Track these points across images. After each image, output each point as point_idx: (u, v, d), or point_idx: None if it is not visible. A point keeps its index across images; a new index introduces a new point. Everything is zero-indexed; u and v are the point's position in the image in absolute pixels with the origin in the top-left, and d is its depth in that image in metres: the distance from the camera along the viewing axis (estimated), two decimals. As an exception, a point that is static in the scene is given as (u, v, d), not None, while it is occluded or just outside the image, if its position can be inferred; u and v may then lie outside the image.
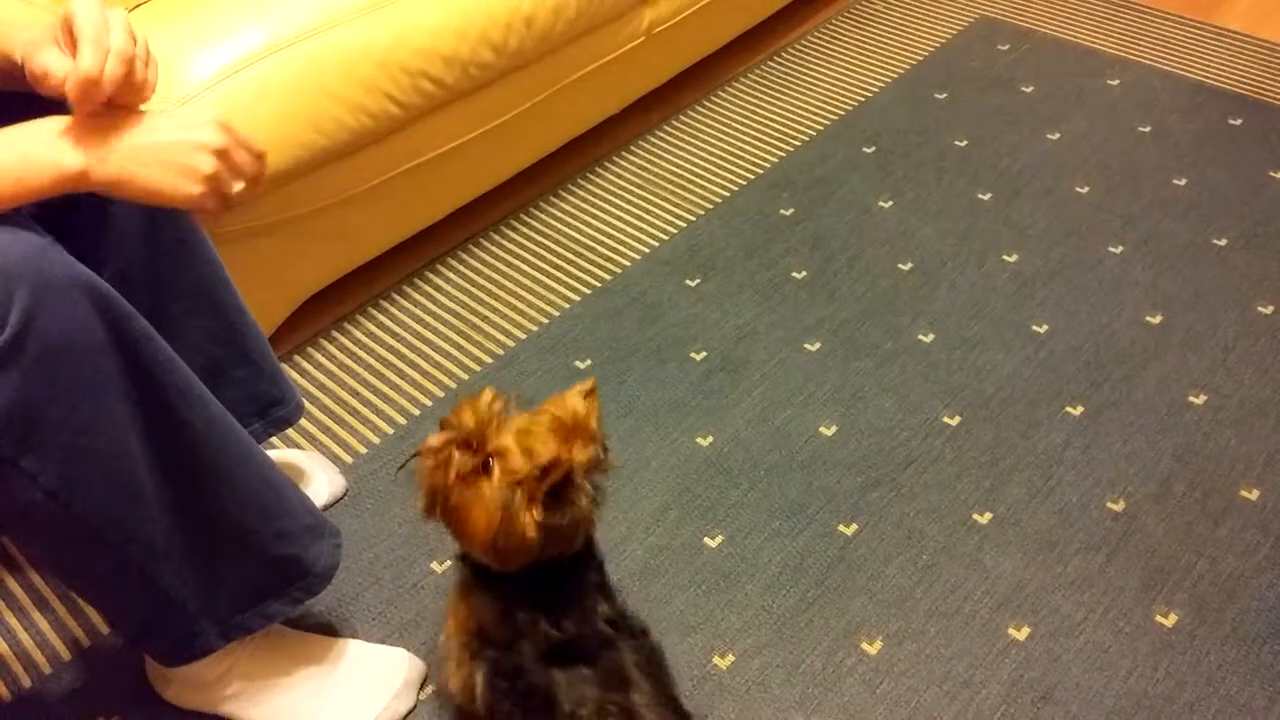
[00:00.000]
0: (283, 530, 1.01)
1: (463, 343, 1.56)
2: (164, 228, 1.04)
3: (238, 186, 0.87)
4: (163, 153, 0.83)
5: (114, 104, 0.83)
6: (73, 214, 0.98)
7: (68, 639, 1.20)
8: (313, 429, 1.43)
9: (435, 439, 0.91)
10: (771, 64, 2.14)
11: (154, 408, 0.87)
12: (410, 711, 1.12)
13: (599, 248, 1.71)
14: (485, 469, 0.89)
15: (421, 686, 1.14)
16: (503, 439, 0.89)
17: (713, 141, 1.94)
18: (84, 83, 0.80)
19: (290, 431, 1.40)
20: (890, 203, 1.77)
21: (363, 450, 1.40)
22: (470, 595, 0.98)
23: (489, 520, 0.88)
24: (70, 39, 0.82)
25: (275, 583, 1.02)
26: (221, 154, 0.85)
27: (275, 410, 1.20)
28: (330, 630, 1.18)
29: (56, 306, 0.79)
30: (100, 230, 1.00)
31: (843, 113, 1.98)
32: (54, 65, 0.82)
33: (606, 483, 0.93)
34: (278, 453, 1.35)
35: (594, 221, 1.77)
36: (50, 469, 0.82)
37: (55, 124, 0.82)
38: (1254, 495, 1.29)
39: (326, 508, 1.31)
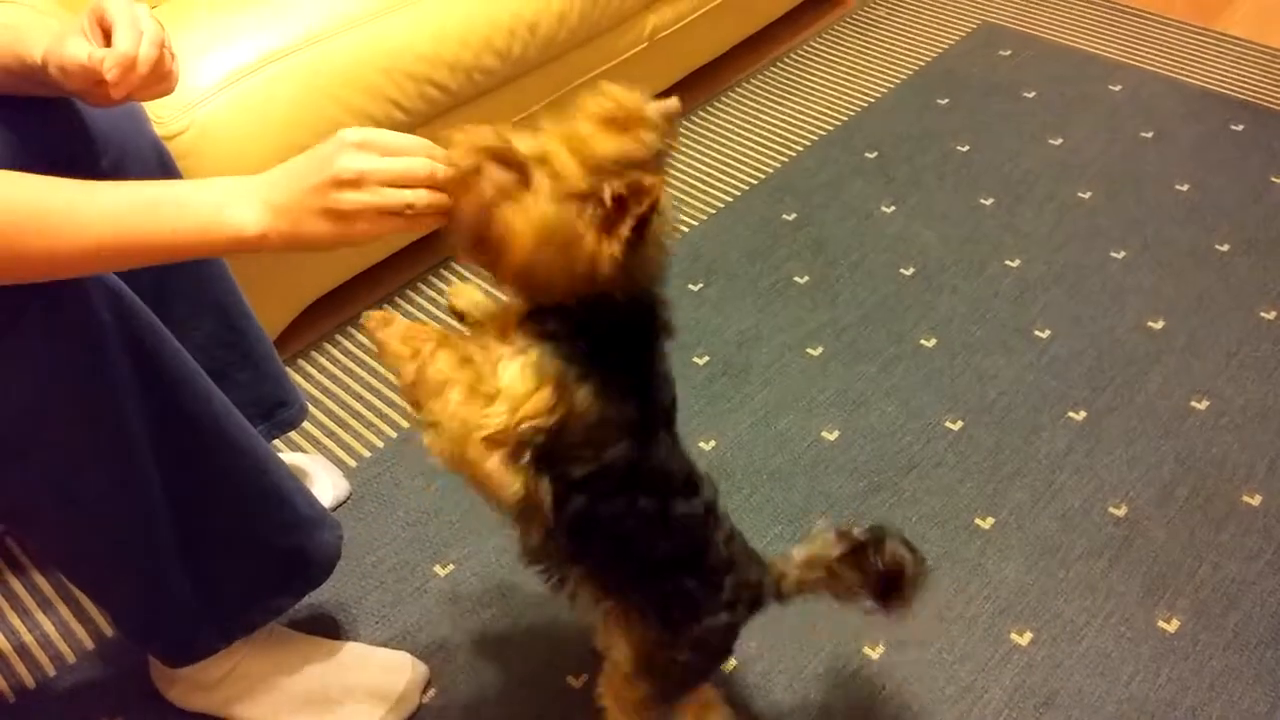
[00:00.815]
0: (284, 522, 1.01)
1: (466, 347, 1.56)
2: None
3: (404, 198, 0.75)
4: (310, 200, 0.74)
5: (140, 94, 0.85)
6: None
7: (72, 640, 1.20)
8: (317, 433, 1.43)
9: (464, 157, 0.75)
10: (774, 70, 2.14)
11: (160, 402, 0.88)
12: (413, 715, 1.12)
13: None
14: (525, 180, 0.74)
15: (424, 689, 1.14)
16: (543, 143, 0.74)
17: (715, 147, 1.94)
18: (123, 61, 0.81)
19: (294, 435, 1.41)
20: (893, 208, 1.77)
21: (366, 454, 1.40)
22: (557, 377, 0.79)
23: (535, 242, 0.74)
24: (98, 31, 0.84)
25: (277, 574, 1.03)
26: (359, 180, 0.74)
27: (279, 413, 1.21)
28: (333, 633, 1.19)
29: (65, 299, 0.79)
30: None
31: (845, 118, 1.99)
32: (84, 52, 0.82)
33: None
34: (282, 456, 1.36)
35: (597, 226, 1.77)
36: (57, 462, 0.82)
37: (227, 181, 0.76)
38: (1256, 501, 1.29)
39: (330, 511, 1.32)
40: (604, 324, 0.79)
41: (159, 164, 1.03)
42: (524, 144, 0.75)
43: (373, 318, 0.84)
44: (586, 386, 0.79)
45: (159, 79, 0.84)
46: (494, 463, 0.79)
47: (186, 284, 1.07)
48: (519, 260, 0.75)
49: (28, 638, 1.20)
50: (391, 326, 0.83)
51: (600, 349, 0.80)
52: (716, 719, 1.03)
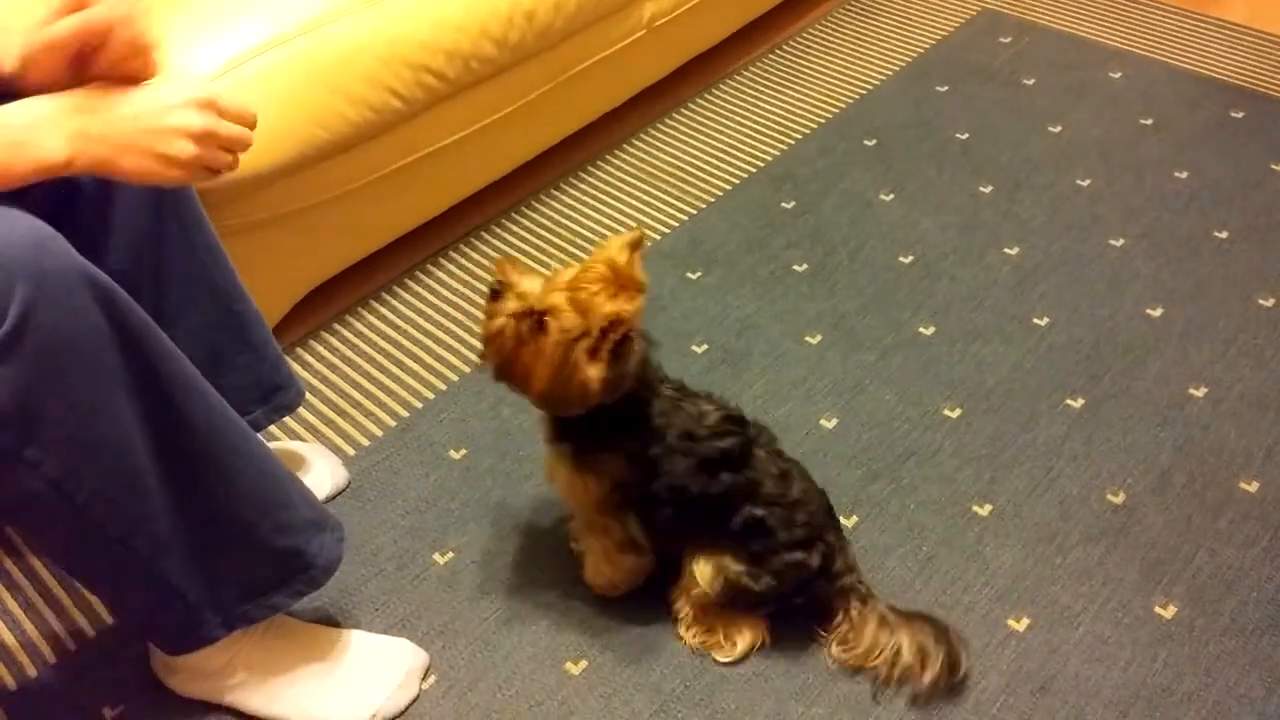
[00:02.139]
0: (284, 523, 1.01)
1: (465, 335, 1.56)
2: (168, 218, 1.05)
3: (226, 160, 0.87)
4: (141, 139, 0.83)
5: (117, 73, 0.84)
6: (75, 205, 0.98)
7: (73, 629, 1.21)
8: (315, 421, 1.43)
9: (494, 322, 0.99)
10: (773, 57, 2.14)
11: (155, 400, 0.88)
12: (413, 701, 1.12)
13: (600, 241, 1.71)
14: (540, 327, 0.96)
15: (424, 677, 1.14)
16: (552, 297, 0.96)
17: (714, 135, 1.94)
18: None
19: (293, 424, 1.41)
20: (891, 196, 1.77)
21: (365, 442, 1.41)
22: (586, 465, 1.07)
23: (549, 373, 0.96)
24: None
25: (277, 575, 1.02)
26: (203, 137, 0.84)
27: (277, 396, 1.21)
28: (334, 621, 1.19)
29: (57, 299, 0.79)
30: (104, 221, 1.00)
31: (844, 106, 1.98)
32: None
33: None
34: (280, 444, 1.36)
35: (595, 215, 1.77)
36: (53, 459, 0.82)
37: (37, 108, 0.81)
38: (1253, 487, 1.29)
39: (329, 499, 1.32)
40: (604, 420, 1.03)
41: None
42: (538, 295, 0.98)
43: None
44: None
45: (135, 54, 0.85)
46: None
47: (184, 268, 1.07)
48: (535, 388, 0.99)
49: (28, 626, 1.21)
50: None
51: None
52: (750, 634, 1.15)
